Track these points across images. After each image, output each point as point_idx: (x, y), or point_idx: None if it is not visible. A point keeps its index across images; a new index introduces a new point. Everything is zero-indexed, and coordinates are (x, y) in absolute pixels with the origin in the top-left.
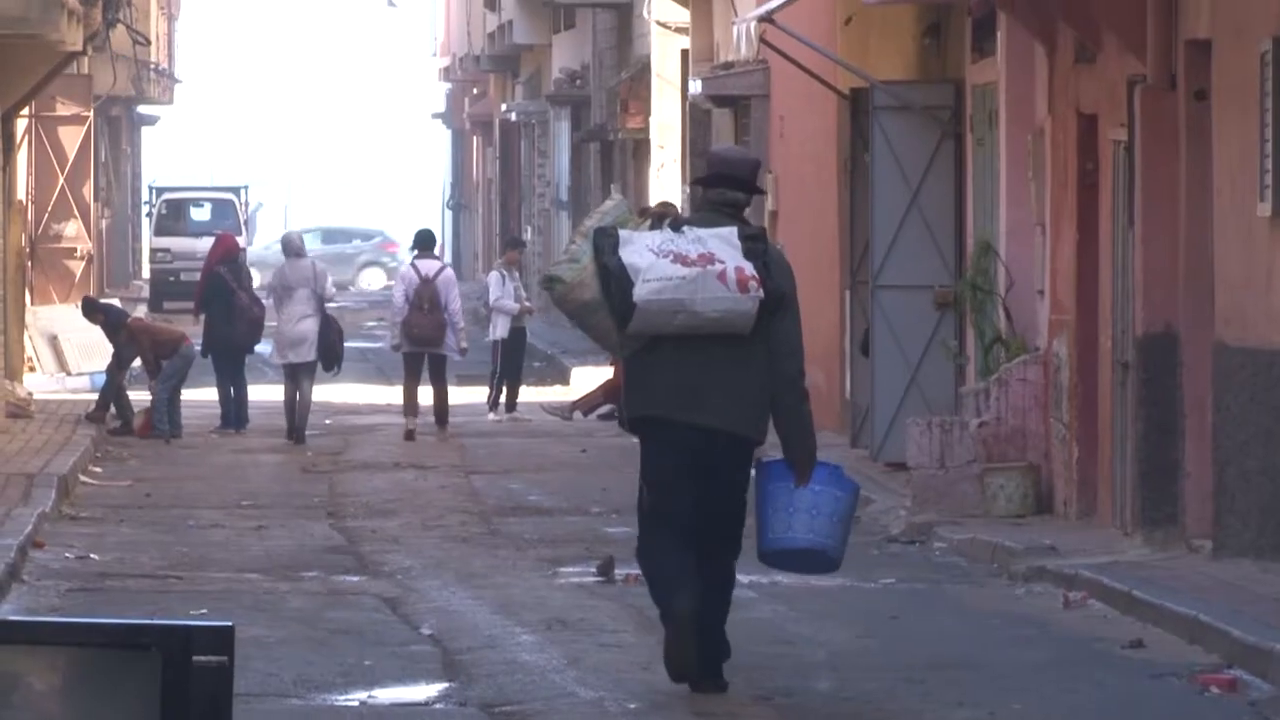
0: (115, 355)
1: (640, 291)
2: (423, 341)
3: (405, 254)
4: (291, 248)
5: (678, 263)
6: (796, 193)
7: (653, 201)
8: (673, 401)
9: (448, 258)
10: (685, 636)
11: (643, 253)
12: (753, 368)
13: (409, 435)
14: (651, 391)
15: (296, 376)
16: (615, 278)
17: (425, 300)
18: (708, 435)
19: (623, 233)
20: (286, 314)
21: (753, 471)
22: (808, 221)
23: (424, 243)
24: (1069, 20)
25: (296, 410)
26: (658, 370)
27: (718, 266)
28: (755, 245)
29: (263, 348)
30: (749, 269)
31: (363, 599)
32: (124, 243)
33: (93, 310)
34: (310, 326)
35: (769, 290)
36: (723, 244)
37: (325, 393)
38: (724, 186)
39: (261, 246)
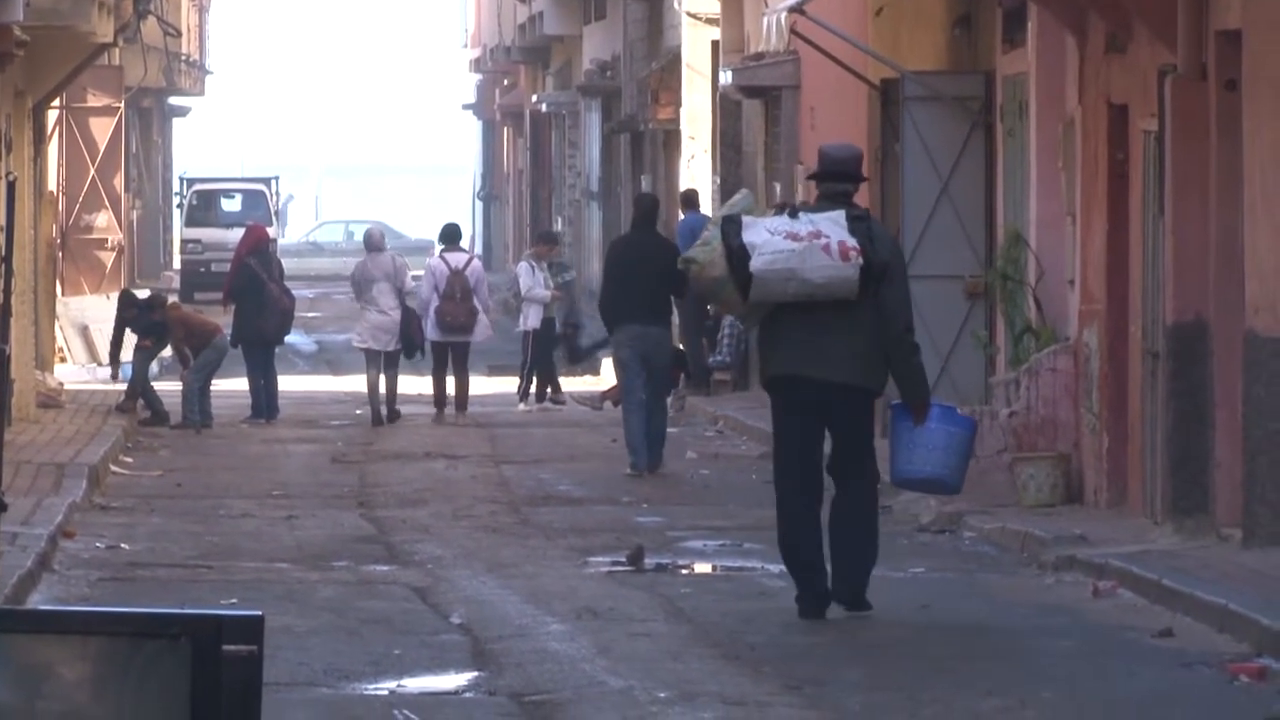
0: (141, 332)
1: (756, 263)
2: (454, 329)
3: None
4: (372, 242)
5: (789, 239)
6: None
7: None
8: (799, 360)
9: (478, 249)
10: (800, 571)
11: (760, 233)
12: (864, 328)
13: (436, 421)
14: (781, 354)
15: (380, 364)
16: (736, 255)
17: (458, 289)
18: (830, 387)
19: (746, 218)
20: (369, 305)
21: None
22: None
23: (451, 236)
24: (1099, 10)
25: (386, 394)
26: (783, 335)
27: (823, 240)
28: (859, 224)
29: (293, 338)
30: (851, 241)
31: (393, 588)
32: (155, 234)
33: (128, 305)
34: (394, 318)
35: (871, 260)
36: (830, 224)
37: (356, 383)
38: (831, 180)
39: (293, 239)
